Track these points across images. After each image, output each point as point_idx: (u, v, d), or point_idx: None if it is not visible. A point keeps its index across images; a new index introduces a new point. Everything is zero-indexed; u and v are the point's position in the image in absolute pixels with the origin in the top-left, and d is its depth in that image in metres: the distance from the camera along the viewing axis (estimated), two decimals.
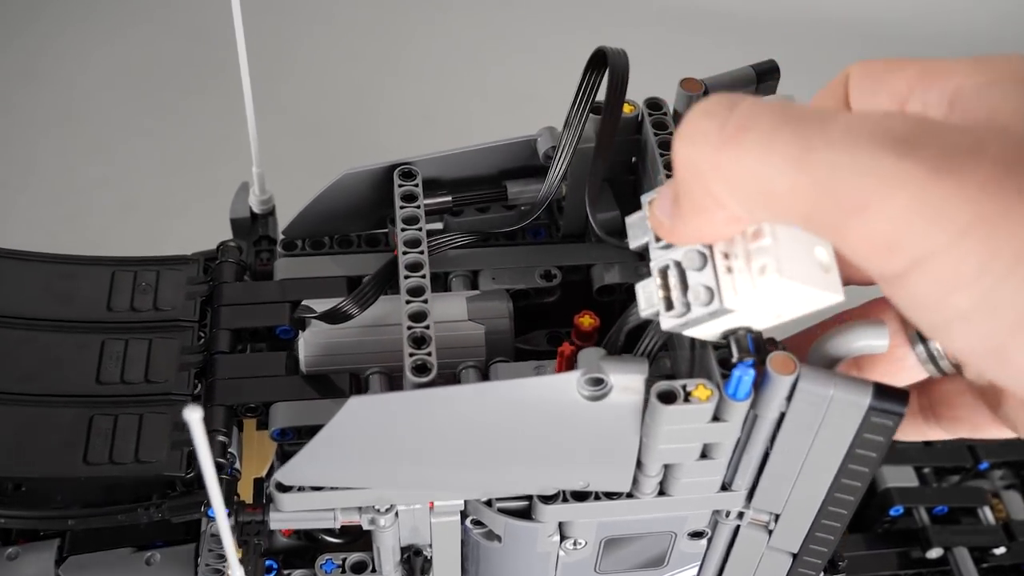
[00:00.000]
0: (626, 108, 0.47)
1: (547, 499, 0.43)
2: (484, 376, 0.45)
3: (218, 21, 1.01)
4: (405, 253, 0.44)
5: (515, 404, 0.38)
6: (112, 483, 0.44)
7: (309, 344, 0.45)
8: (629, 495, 0.42)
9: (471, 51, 1.09)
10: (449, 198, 0.49)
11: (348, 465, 0.41)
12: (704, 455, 0.40)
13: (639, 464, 0.40)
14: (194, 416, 0.28)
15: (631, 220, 0.37)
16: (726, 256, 0.34)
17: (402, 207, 0.46)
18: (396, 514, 0.44)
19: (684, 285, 0.35)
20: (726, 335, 0.36)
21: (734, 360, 0.36)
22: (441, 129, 0.97)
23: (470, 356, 0.45)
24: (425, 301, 0.42)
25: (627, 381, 0.37)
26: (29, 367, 0.46)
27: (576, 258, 0.51)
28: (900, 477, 0.68)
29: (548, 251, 0.51)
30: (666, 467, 0.41)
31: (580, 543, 0.45)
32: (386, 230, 0.52)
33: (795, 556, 0.46)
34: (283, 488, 0.42)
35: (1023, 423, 0.37)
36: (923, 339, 0.40)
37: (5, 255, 0.49)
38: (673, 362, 0.45)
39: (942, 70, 0.33)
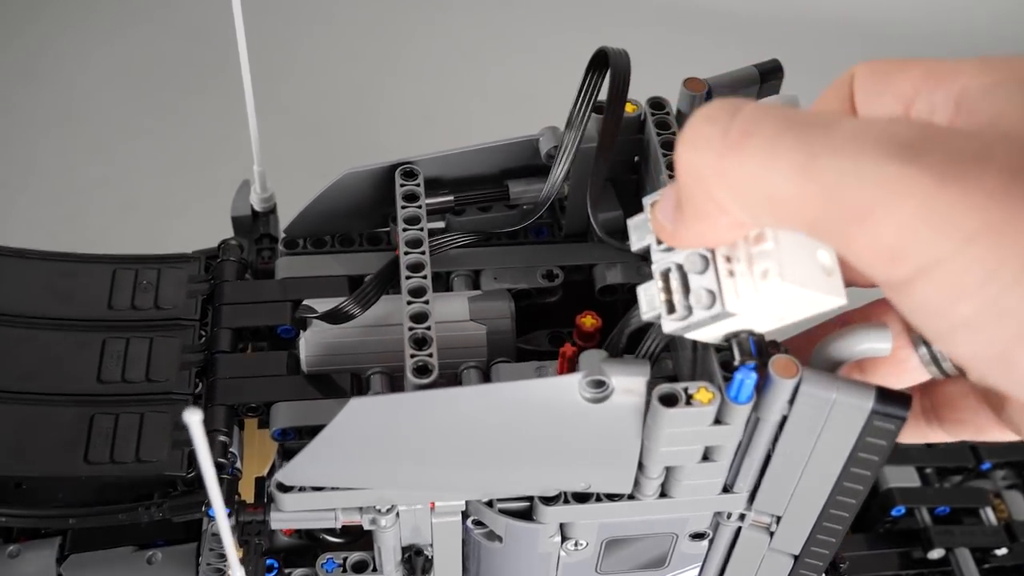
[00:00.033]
0: (629, 107, 0.47)
1: (548, 500, 0.43)
2: (485, 376, 0.45)
3: (218, 21, 1.01)
4: (407, 253, 0.44)
5: (516, 406, 0.38)
6: (113, 482, 0.44)
7: (310, 344, 0.45)
8: (630, 497, 0.42)
9: (471, 51, 1.09)
10: (451, 198, 0.49)
11: (349, 466, 0.41)
12: (706, 457, 0.40)
13: (640, 466, 0.40)
14: (194, 419, 0.28)
15: (633, 222, 0.37)
16: (728, 259, 0.34)
17: (404, 207, 0.46)
18: (397, 514, 0.44)
19: (686, 288, 0.34)
20: (728, 338, 0.36)
21: (736, 363, 0.36)
22: (442, 129, 0.97)
23: (472, 356, 0.45)
24: (426, 302, 0.42)
25: (629, 383, 0.37)
26: (30, 365, 0.46)
27: (578, 258, 0.51)
28: (902, 477, 0.68)
29: (550, 250, 0.51)
30: (667, 469, 0.41)
31: (581, 544, 0.45)
32: (387, 229, 0.52)
33: (796, 558, 0.45)
34: (284, 488, 0.42)
35: None
36: (926, 341, 0.40)
37: (6, 253, 0.49)
38: (675, 363, 0.45)
39: (948, 71, 0.32)
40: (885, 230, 0.27)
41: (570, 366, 0.43)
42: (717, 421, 0.37)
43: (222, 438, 0.44)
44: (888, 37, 1.12)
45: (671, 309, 0.35)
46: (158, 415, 0.45)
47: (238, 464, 0.45)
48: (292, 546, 0.50)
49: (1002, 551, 0.65)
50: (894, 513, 0.65)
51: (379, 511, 0.43)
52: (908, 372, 0.41)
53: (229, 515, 0.43)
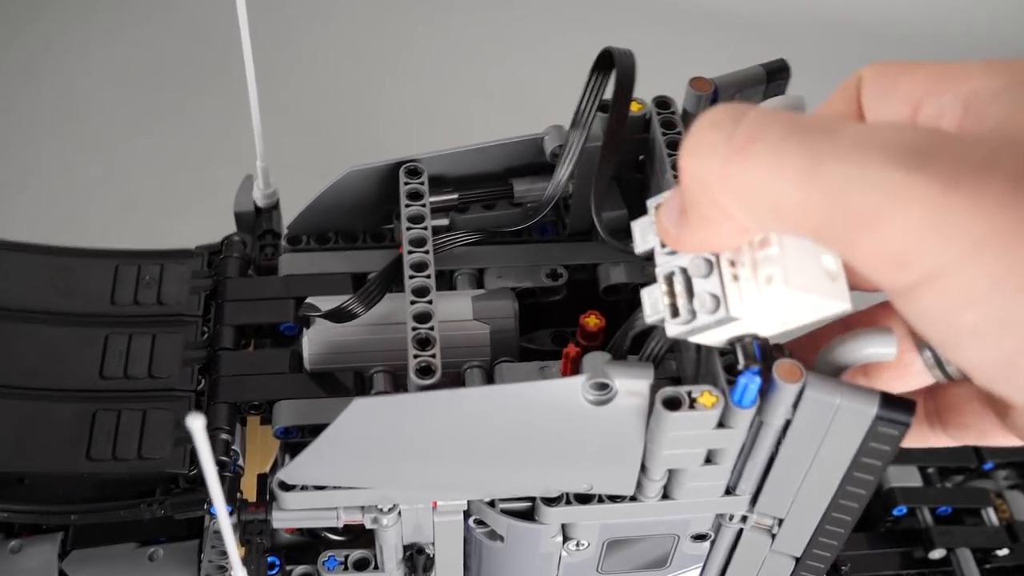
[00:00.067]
0: (634, 107, 0.47)
1: (550, 501, 0.43)
2: (489, 376, 0.45)
3: (219, 21, 1.01)
4: (410, 252, 0.44)
5: (519, 408, 0.38)
6: (115, 479, 0.43)
7: (313, 342, 0.45)
8: (632, 498, 0.42)
9: (474, 51, 1.09)
10: (455, 196, 0.49)
11: (351, 465, 0.41)
12: (708, 460, 0.40)
13: (643, 468, 0.40)
14: (197, 424, 0.28)
15: (637, 224, 0.37)
16: (732, 264, 0.33)
17: (407, 205, 0.46)
18: (399, 513, 0.44)
19: (690, 292, 0.34)
20: (732, 342, 0.36)
21: (740, 367, 0.35)
22: (444, 129, 0.97)
23: (475, 356, 0.45)
24: (430, 302, 0.42)
25: (632, 386, 0.37)
26: (32, 361, 0.46)
27: (582, 257, 0.50)
28: (904, 477, 0.68)
29: (554, 249, 0.51)
30: (670, 471, 0.41)
31: (583, 544, 0.45)
32: (391, 226, 0.52)
33: (798, 560, 0.45)
34: (286, 487, 0.42)
35: None
36: (931, 345, 0.40)
37: (8, 247, 0.49)
38: (679, 364, 0.45)
39: (957, 74, 0.32)
40: (891, 237, 0.27)
41: (573, 367, 0.43)
42: (720, 425, 0.37)
43: (224, 436, 0.44)
44: (889, 37, 1.12)
45: (675, 313, 0.35)
46: (160, 412, 0.44)
47: (240, 461, 0.45)
48: (294, 543, 0.50)
49: (1003, 551, 0.65)
50: (896, 513, 0.65)
51: (381, 510, 0.43)
52: (912, 376, 0.41)
53: (231, 514, 0.43)
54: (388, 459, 0.40)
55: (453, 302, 0.46)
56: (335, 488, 0.42)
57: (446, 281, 0.49)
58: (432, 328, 0.41)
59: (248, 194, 0.54)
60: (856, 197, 0.27)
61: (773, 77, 0.49)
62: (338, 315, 0.44)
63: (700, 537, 0.46)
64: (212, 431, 0.43)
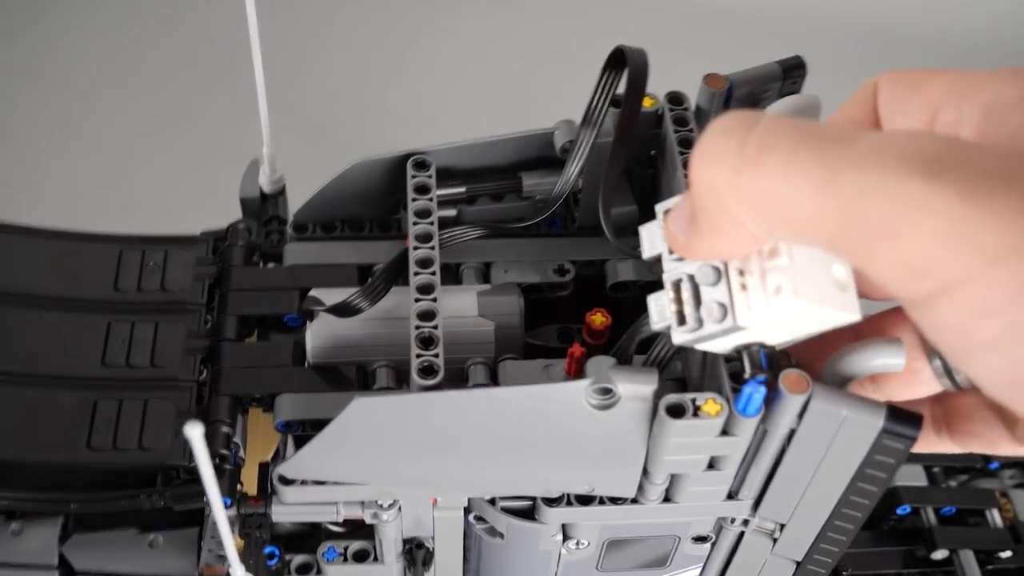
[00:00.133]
0: (647, 102, 0.46)
1: (551, 501, 0.43)
2: (493, 373, 0.45)
3: (222, 22, 1.00)
4: (416, 248, 0.43)
5: (522, 410, 0.38)
6: (115, 468, 0.43)
7: (316, 335, 0.45)
8: (634, 500, 0.42)
9: (481, 51, 1.08)
10: (463, 189, 0.49)
11: (351, 462, 0.41)
12: (711, 466, 0.39)
13: (645, 471, 0.40)
14: (195, 432, 0.28)
15: (645, 229, 0.36)
16: (741, 273, 0.33)
17: (414, 199, 0.45)
18: (399, 509, 0.44)
19: (697, 300, 0.34)
20: (739, 349, 0.35)
21: (746, 376, 0.35)
22: (450, 128, 0.96)
23: (479, 352, 0.45)
24: (434, 299, 0.41)
25: (636, 392, 0.36)
26: (34, 347, 0.46)
27: (590, 252, 0.50)
28: (909, 476, 0.67)
29: (562, 244, 0.50)
30: (672, 475, 0.41)
31: (583, 543, 0.45)
32: (399, 216, 0.51)
33: (799, 564, 0.45)
34: (286, 481, 0.42)
35: None
36: (940, 353, 0.40)
37: (10, 231, 0.49)
38: (685, 366, 0.44)
39: (977, 81, 0.32)
40: (908, 248, 0.26)
41: (578, 367, 0.42)
42: (724, 432, 0.37)
43: (225, 429, 0.43)
44: (888, 37, 1.11)
45: (681, 321, 0.34)
46: (162, 402, 0.44)
47: (240, 453, 0.45)
48: (293, 532, 0.49)
49: (1006, 553, 0.65)
50: (899, 512, 0.65)
51: (381, 506, 0.43)
52: (921, 384, 0.40)
53: (229, 506, 0.43)
54: (389, 457, 0.40)
55: (458, 298, 0.46)
56: (335, 483, 0.42)
57: (452, 274, 0.49)
58: (436, 327, 0.40)
59: (254, 180, 0.53)
60: (872, 207, 0.27)
61: (789, 74, 0.48)
62: (342, 310, 0.43)
63: (701, 539, 0.46)
64: (213, 423, 0.43)
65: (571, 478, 0.41)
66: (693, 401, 0.36)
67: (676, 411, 0.36)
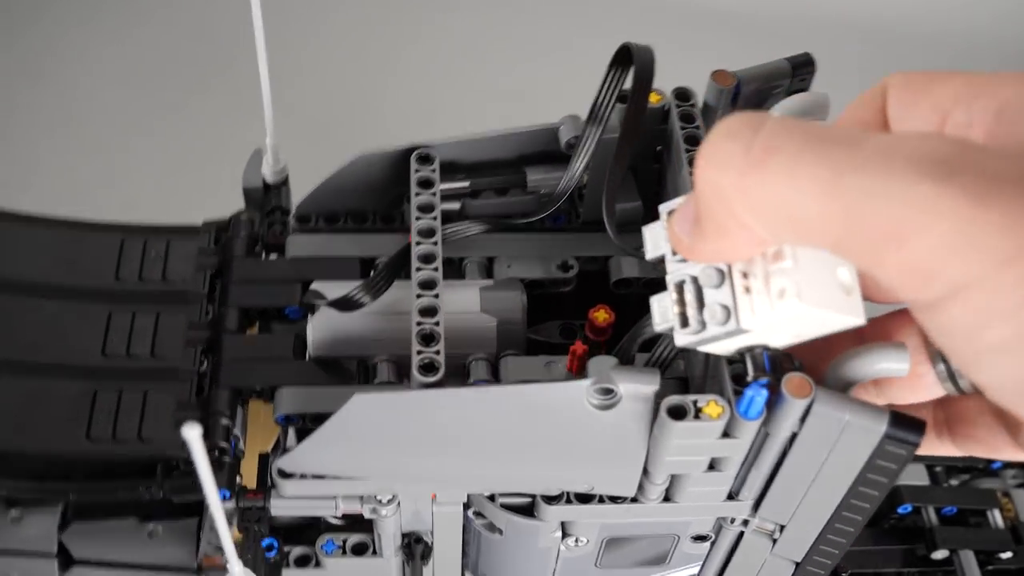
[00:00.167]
0: (654, 97, 0.46)
1: (550, 499, 0.42)
2: (494, 369, 0.45)
3: (222, 21, 0.99)
4: (418, 243, 0.43)
5: (523, 408, 0.38)
6: (114, 459, 0.43)
7: (318, 328, 0.45)
8: (633, 500, 0.42)
9: (484, 50, 1.07)
10: (467, 183, 0.48)
11: (351, 457, 0.41)
12: (712, 467, 0.39)
13: (645, 471, 0.40)
14: (193, 434, 0.27)
15: (648, 230, 0.36)
16: (744, 275, 0.33)
17: (417, 193, 0.45)
18: (398, 505, 0.44)
19: (700, 302, 0.34)
20: (742, 352, 0.35)
21: (749, 378, 0.35)
22: (450, 126, 0.96)
23: (481, 348, 0.45)
24: (436, 296, 0.41)
25: (637, 392, 0.36)
26: (35, 336, 0.45)
27: (594, 248, 0.49)
28: (911, 474, 0.67)
29: (566, 239, 0.50)
30: (672, 475, 0.40)
31: (582, 541, 0.45)
32: (402, 208, 0.51)
33: (798, 564, 0.45)
34: (285, 475, 0.42)
35: None
36: (944, 358, 0.39)
37: (11, 218, 0.48)
38: (687, 365, 0.44)
39: (989, 82, 0.31)
40: (917, 252, 0.26)
41: (580, 364, 0.42)
42: (725, 434, 0.37)
43: (224, 421, 0.43)
44: (889, 38, 1.10)
45: (684, 323, 0.34)
46: (161, 393, 0.44)
47: (240, 445, 0.45)
48: (293, 524, 0.49)
49: (1007, 554, 0.65)
50: (900, 510, 0.65)
51: (380, 501, 0.43)
52: (924, 388, 0.40)
53: (228, 499, 0.43)
54: (388, 452, 0.40)
55: (461, 293, 0.45)
56: (334, 478, 0.42)
57: (455, 269, 0.49)
58: (437, 323, 0.40)
59: (257, 169, 0.53)
60: (881, 211, 0.26)
61: (798, 71, 0.48)
62: (344, 304, 0.43)
63: (700, 538, 0.46)
64: (213, 415, 0.43)
65: (571, 477, 0.41)
66: (694, 403, 0.36)
67: (677, 413, 0.36)
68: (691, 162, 0.44)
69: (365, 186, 0.49)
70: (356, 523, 0.48)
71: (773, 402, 0.35)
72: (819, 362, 0.38)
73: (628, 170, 0.48)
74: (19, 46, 1.03)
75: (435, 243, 0.43)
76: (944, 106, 0.32)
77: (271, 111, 0.50)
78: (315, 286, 0.46)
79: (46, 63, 1.02)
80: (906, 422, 0.35)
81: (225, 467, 0.43)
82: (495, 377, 0.44)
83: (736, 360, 0.36)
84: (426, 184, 0.45)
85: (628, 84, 0.44)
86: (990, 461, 0.71)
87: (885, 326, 0.40)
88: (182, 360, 0.45)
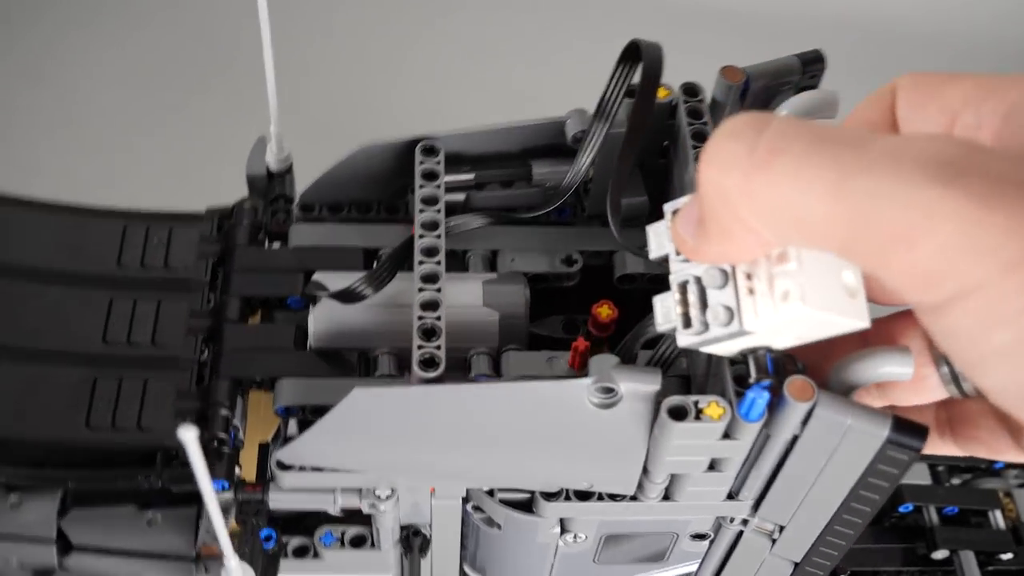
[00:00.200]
0: (661, 92, 0.45)
1: (549, 496, 0.42)
2: (496, 364, 0.45)
3: (222, 23, 0.99)
4: (421, 236, 0.43)
5: (523, 405, 0.37)
6: (113, 447, 0.43)
7: (319, 320, 0.44)
8: (633, 498, 0.42)
9: (484, 49, 1.07)
10: (471, 176, 0.48)
11: (350, 450, 0.41)
12: (712, 467, 0.39)
13: (645, 470, 0.40)
14: (189, 435, 0.27)
15: (652, 229, 0.36)
16: (748, 277, 0.32)
17: (422, 185, 0.45)
18: (396, 499, 0.44)
19: (703, 303, 0.33)
20: (745, 353, 0.35)
21: (751, 380, 0.34)
22: (453, 124, 0.96)
23: (483, 342, 0.45)
24: (438, 289, 0.41)
25: (638, 392, 0.36)
26: (36, 322, 0.45)
27: (599, 243, 0.49)
28: (913, 473, 0.67)
29: (570, 233, 0.50)
30: (672, 475, 0.40)
31: (580, 537, 0.45)
32: (407, 199, 0.51)
33: (797, 565, 0.45)
34: (284, 466, 0.42)
35: None
36: (948, 360, 0.39)
37: (13, 203, 0.48)
38: (690, 363, 0.44)
39: (999, 84, 0.31)
40: (922, 253, 0.26)
41: (582, 360, 0.42)
42: (726, 436, 0.36)
43: (224, 412, 0.43)
44: (888, 38, 1.09)
45: (687, 323, 0.34)
46: (162, 382, 0.44)
47: (240, 435, 0.45)
48: (290, 514, 0.49)
49: (1007, 555, 0.64)
50: (901, 509, 0.65)
51: (378, 496, 0.43)
52: (928, 390, 0.40)
53: (227, 491, 0.43)
54: (387, 446, 0.40)
55: (463, 286, 0.45)
56: (333, 470, 0.42)
57: (458, 261, 0.48)
58: (439, 317, 0.40)
59: (260, 157, 0.52)
60: (887, 213, 0.26)
61: (808, 68, 0.47)
62: (346, 296, 0.43)
63: (699, 536, 0.46)
64: (212, 406, 0.43)
65: (570, 474, 0.41)
66: (695, 404, 0.36)
67: (678, 413, 0.36)
68: (698, 159, 0.43)
69: (369, 176, 0.48)
70: (355, 515, 0.48)
71: (775, 404, 0.35)
72: (822, 363, 0.38)
73: (635, 165, 0.48)
74: (20, 47, 1.03)
75: (438, 236, 0.43)
76: (953, 108, 0.32)
77: (275, 98, 0.49)
78: (318, 276, 0.46)
79: (46, 64, 1.02)
80: (908, 427, 0.35)
81: (224, 458, 0.43)
82: (496, 372, 0.44)
83: (739, 360, 0.36)
84: (430, 176, 0.45)
85: (636, 80, 0.44)
86: (992, 461, 0.70)
87: (889, 327, 0.40)
88: (183, 348, 0.45)
